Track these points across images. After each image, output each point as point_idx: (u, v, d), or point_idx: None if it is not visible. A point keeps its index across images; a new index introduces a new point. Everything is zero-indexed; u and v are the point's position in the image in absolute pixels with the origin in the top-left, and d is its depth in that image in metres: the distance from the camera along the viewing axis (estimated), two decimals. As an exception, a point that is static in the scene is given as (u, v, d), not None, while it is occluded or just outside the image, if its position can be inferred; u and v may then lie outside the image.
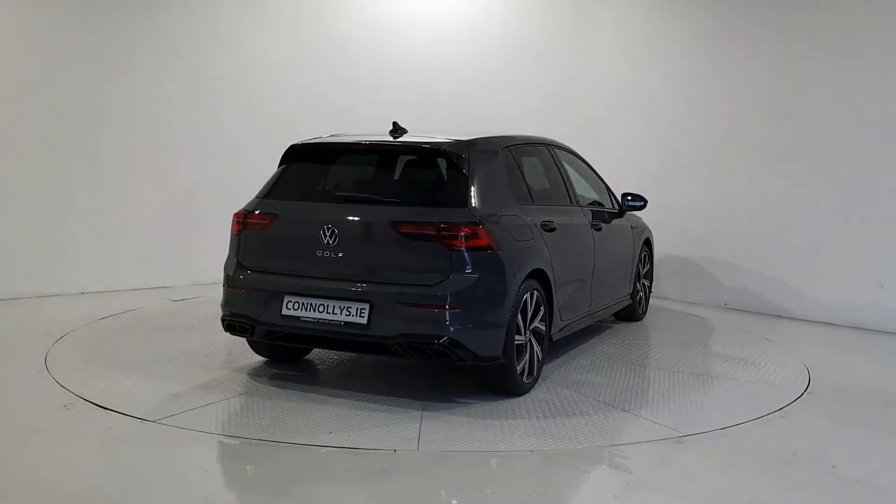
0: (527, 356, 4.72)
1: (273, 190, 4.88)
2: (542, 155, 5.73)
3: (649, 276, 7.31)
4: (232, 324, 4.77)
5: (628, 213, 6.60)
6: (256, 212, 4.78)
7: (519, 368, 4.63)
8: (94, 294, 7.54)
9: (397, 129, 4.98)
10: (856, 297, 7.17)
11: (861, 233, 7.11)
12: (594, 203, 6.22)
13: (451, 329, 4.28)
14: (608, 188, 6.54)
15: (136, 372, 5.04)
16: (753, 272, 7.80)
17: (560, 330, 5.26)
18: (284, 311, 4.53)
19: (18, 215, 7.33)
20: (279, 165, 5.03)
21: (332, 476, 3.62)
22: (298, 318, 4.50)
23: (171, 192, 8.05)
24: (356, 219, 4.54)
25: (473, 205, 4.47)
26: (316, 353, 5.52)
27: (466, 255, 4.33)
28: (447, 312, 4.27)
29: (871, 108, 7.01)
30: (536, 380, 4.90)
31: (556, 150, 5.88)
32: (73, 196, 7.60)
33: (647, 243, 7.18)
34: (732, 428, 4.36)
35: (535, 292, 4.76)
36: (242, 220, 4.82)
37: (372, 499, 3.39)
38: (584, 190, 6.18)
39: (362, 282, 4.43)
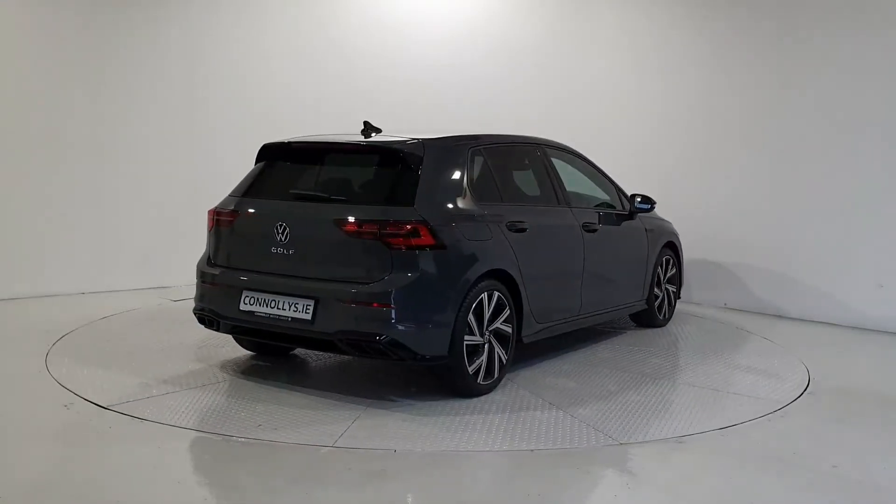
0: (483, 357, 4.65)
1: (242, 188, 5.04)
2: (527, 155, 5.65)
3: (675, 280, 7.00)
4: (202, 317, 4.97)
5: (647, 215, 6.44)
6: (222, 209, 4.96)
7: (472, 369, 4.58)
8: (94, 294, 7.54)
9: (369, 129, 5.05)
10: (856, 297, 7.16)
11: (861, 233, 7.11)
12: (602, 204, 6.12)
13: (390, 327, 4.30)
14: (619, 190, 6.34)
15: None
16: (753, 272, 7.79)
17: (536, 332, 5.15)
18: (242, 306, 4.66)
19: (18, 215, 7.33)
20: (255, 164, 5.19)
21: (332, 476, 3.62)
22: (253, 312, 4.62)
23: (171, 193, 8.05)
24: (305, 217, 4.65)
25: (420, 203, 4.47)
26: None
27: (408, 253, 4.35)
28: (386, 311, 4.29)
29: (872, 107, 7.00)
30: (498, 381, 4.82)
31: (548, 150, 5.76)
32: (74, 196, 7.60)
33: (672, 247, 6.89)
34: (732, 428, 4.36)
35: (496, 293, 4.71)
36: (213, 217, 5.03)
37: (372, 499, 3.39)
38: (589, 190, 6.13)
39: (309, 278, 4.53)
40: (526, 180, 5.63)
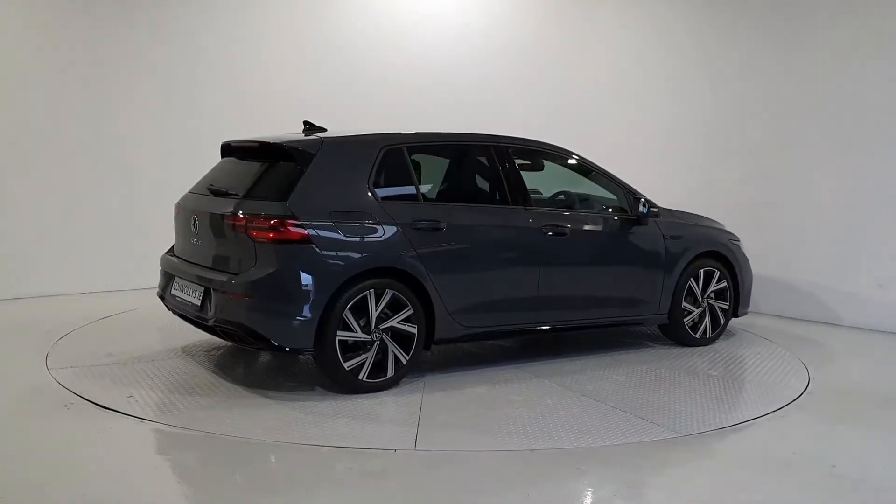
0: (368, 355, 4.66)
1: (196, 182, 5.39)
2: (471, 155, 5.56)
3: (724, 296, 6.24)
4: (161, 299, 5.41)
5: (681, 220, 6.09)
6: (177, 202, 5.39)
7: (349, 365, 4.61)
8: (94, 294, 7.54)
9: (310, 129, 5.21)
10: (856, 297, 7.17)
11: (861, 233, 7.11)
12: (601, 209, 5.88)
13: (250, 318, 4.51)
14: (630, 193, 5.87)
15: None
16: (752, 272, 7.80)
17: (460, 335, 5.07)
18: (172, 291, 5.17)
19: (19, 215, 7.34)
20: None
21: (332, 475, 3.62)
22: (175, 297, 5.12)
23: (171, 193, 8.00)
24: (207, 210, 4.94)
25: (295, 199, 4.57)
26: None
27: (271, 246, 4.49)
28: (247, 301, 4.50)
29: (872, 107, 7.00)
30: (395, 381, 4.80)
31: (511, 150, 5.48)
32: (74, 196, 7.61)
33: (719, 258, 6.20)
34: (732, 428, 4.36)
35: (390, 291, 4.71)
36: (175, 210, 5.45)
37: (372, 499, 3.39)
38: (592, 190, 5.93)
39: (206, 267, 4.89)
40: (466, 180, 5.56)
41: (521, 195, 5.42)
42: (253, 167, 5.03)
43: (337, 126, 5.50)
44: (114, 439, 3.96)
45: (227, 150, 5.42)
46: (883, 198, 6.97)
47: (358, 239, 4.67)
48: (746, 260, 6.48)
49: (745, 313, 6.55)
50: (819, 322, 7.30)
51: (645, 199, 5.80)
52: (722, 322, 6.28)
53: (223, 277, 4.63)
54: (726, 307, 6.29)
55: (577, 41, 9.19)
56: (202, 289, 4.77)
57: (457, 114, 8.65)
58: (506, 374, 5.25)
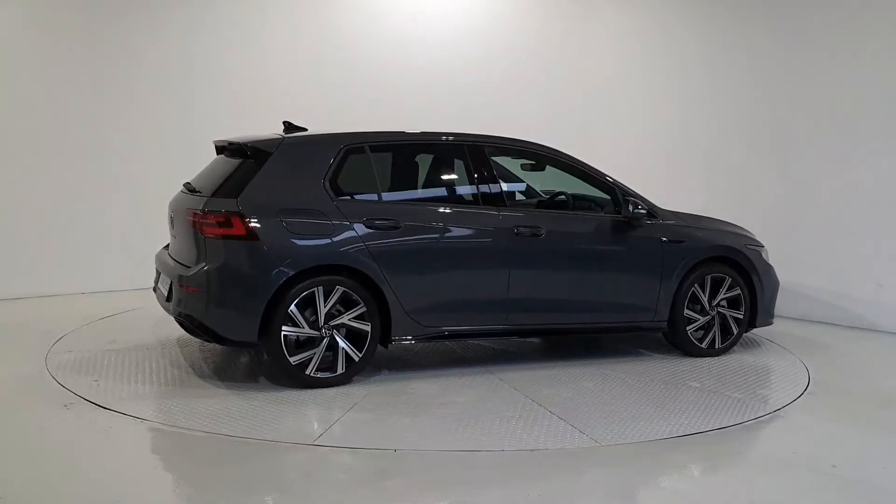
0: (317, 351, 4.72)
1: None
2: (439, 154, 5.50)
3: (738, 304, 5.85)
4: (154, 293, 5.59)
5: (689, 224, 5.80)
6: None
7: (296, 360, 4.68)
8: (94, 294, 7.54)
9: (289, 128, 5.30)
10: (856, 297, 7.16)
11: (861, 233, 7.11)
12: (590, 210, 5.69)
13: (197, 310, 4.74)
14: (625, 195, 5.59)
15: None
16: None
17: (419, 335, 5.04)
18: (158, 286, 5.39)
19: (19, 215, 7.34)
20: None
21: (332, 475, 3.62)
22: (157, 291, 5.38)
23: (171, 193, 8.02)
24: (178, 207, 5.15)
25: (245, 196, 4.69)
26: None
27: (217, 242, 4.66)
28: (195, 294, 4.73)
29: (872, 107, 7.00)
30: (347, 378, 4.83)
31: (489, 150, 5.37)
32: (74, 196, 7.61)
33: (731, 263, 5.82)
34: (732, 428, 4.36)
35: (341, 288, 4.75)
36: None
37: (372, 499, 3.39)
38: (584, 191, 5.81)
39: (176, 262, 5.08)
40: (432, 179, 5.52)
41: (493, 194, 5.28)
42: (228, 165, 5.13)
43: (336, 127, 5.50)
44: (114, 439, 3.96)
45: (217, 149, 5.55)
46: (883, 198, 6.97)
47: (305, 236, 4.74)
48: (768, 267, 6.06)
49: (769, 323, 6.12)
50: (819, 322, 7.30)
51: (636, 200, 5.53)
52: (735, 332, 5.89)
53: (181, 272, 4.85)
54: (740, 316, 5.89)
55: (578, 41, 9.18)
56: (169, 282, 5.00)
57: (457, 114, 8.64)
58: (469, 376, 5.16)
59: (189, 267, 4.79)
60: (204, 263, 4.67)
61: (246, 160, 4.97)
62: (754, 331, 6.32)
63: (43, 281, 7.39)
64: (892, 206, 6.92)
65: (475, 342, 5.95)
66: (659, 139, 8.57)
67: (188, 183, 5.27)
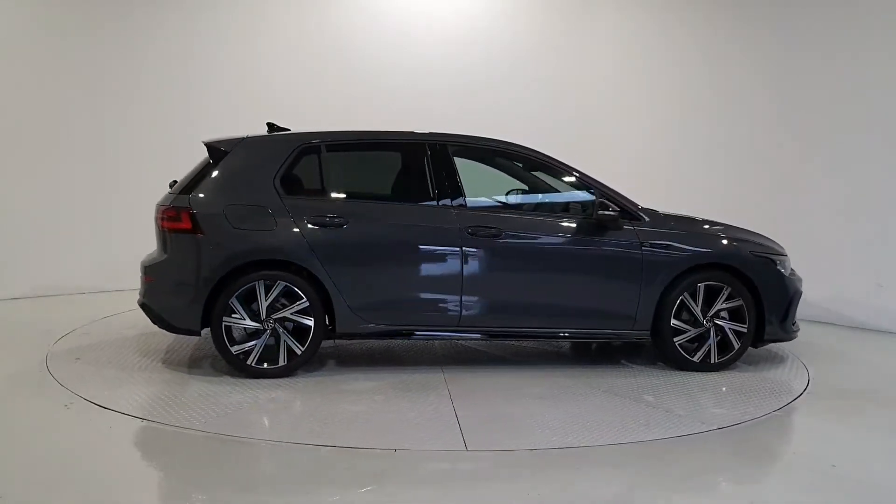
0: (258, 342, 4.93)
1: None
2: (402, 153, 5.39)
3: (741, 316, 5.38)
4: None
5: (684, 229, 5.41)
6: None
7: (237, 350, 4.92)
8: (94, 294, 7.55)
9: (272, 129, 5.45)
10: (856, 297, 7.17)
11: (861, 233, 7.11)
12: (562, 211, 5.50)
13: (150, 298, 5.11)
14: (597, 194, 5.27)
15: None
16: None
17: (366, 333, 5.07)
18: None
19: (19, 215, 7.35)
20: None
21: (333, 475, 3.62)
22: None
23: (171, 192, 8.06)
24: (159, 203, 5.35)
25: (197, 193, 5.00)
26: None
27: (171, 235, 5.00)
28: (149, 284, 5.12)
29: (872, 107, 7.01)
30: (292, 369, 5.00)
31: (452, 149, 5.28)
32: (74, 197, 7.62)
33: (732, 271, 5.37)
34: (732, 428, 4.36)
35: (282, 283, 4.93)
36: None
37: (372, 499, 3.39)
38: (559, 191, 5.58)
39: (149, 256, 5.32)
40: (387, 178, 5.50)
41: (451, 194, 5.18)
42: (201, 165, 5.31)
43: (336, 127, 5.50)
44: (114, 439, 3.96)
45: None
46: (883, 198, 6.97)
47: (248, 231, 4.95)
48: (781, 277, 5.50)
49: (785, 339, 5.58)
50: (819, 322, 7.30)
51: (605, 202, 5.21)
52: (736, 347, 5.42)
53: (147, 262, 5.19)
54: (743, 329, 5.41)
55: (578, 41, 9.18)
56: (142, 274, 5.25)
57: (457, 114, 8.65)
58: (412, 377, 5.12)
59: (154, 258, 5.14)
60: (159, 255, 5.10)
61: (213, 158, 5.20)
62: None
63: (43, 281, 7.40)
64: (893, 207, 6.93)
65: (427, 342, 6.01)
66: (659, 140, 8.58)
67: (173, 182, 5.43)
